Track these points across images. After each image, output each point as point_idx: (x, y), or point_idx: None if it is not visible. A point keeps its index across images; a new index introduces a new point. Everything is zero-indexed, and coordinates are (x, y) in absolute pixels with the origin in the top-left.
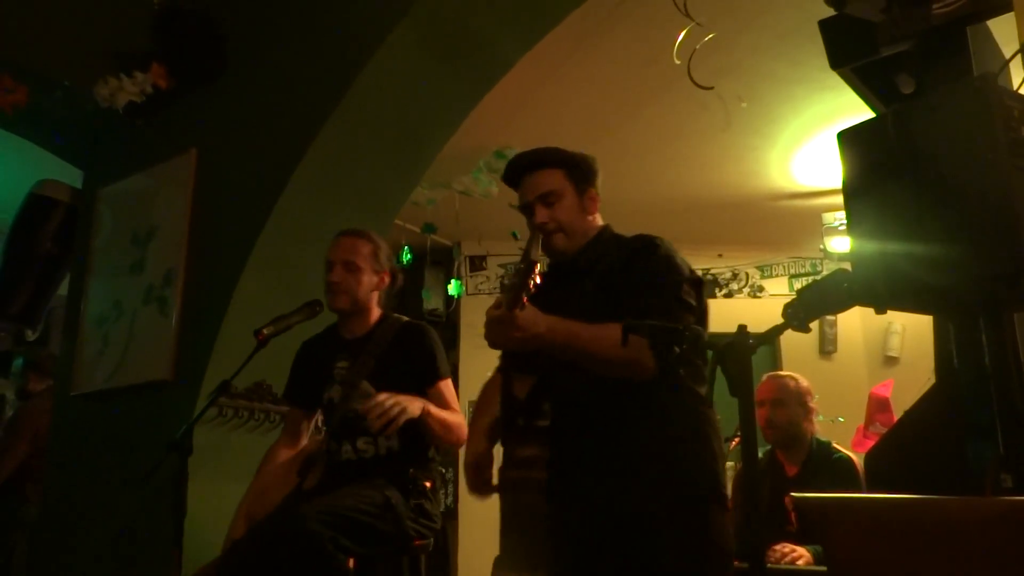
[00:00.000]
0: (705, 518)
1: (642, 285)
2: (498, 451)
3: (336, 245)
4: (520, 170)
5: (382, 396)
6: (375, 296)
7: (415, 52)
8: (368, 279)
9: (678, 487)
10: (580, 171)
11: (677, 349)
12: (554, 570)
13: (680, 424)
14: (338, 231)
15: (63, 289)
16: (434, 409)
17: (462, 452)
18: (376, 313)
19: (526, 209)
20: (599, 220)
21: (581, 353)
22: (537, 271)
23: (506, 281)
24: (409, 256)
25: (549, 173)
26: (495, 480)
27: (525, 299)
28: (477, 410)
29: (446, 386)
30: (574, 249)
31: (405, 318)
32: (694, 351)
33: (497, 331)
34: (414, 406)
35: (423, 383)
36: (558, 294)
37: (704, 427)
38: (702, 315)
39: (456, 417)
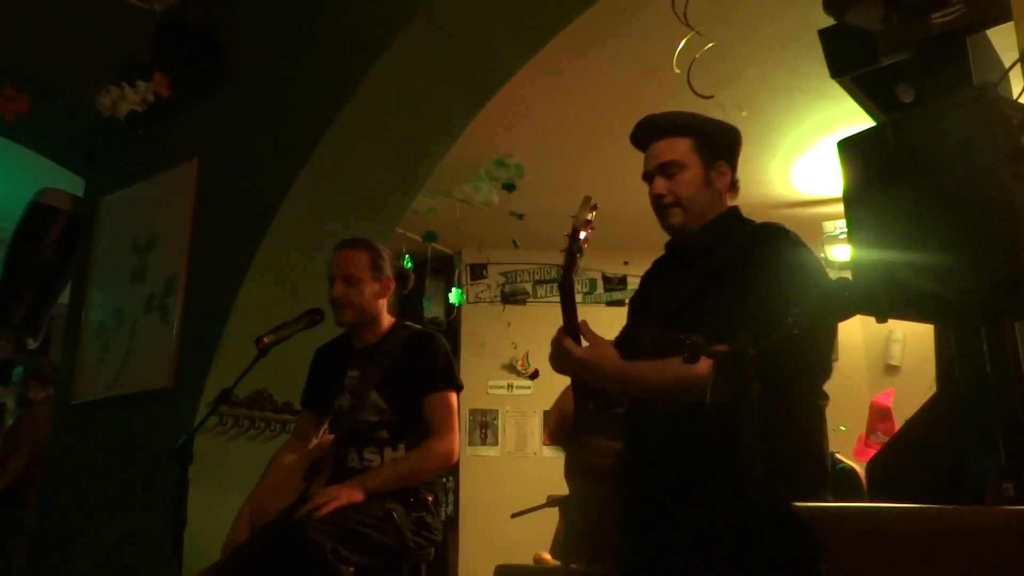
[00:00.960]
0: (775, 541)
1: (743, 291)
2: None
3: (335, 260)
4: (647, 134)
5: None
6: (382, 303)
7: (416, 61)
8: (370, 289)
9: (748, 510)
10: (711, 141)
11: (750, 379)
12: (620, 568)
13: (773, 428)
14: (338, 243)
15: (64, 298)
16: (379, 479)
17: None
18: (387, 321)
19: (647, 177)
20: (728, 200)
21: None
22: (582, 238)
23: (506, 289)
24: (410, 264)
25: (675, 141)
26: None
27: (582, 324)
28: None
29: (441, 399)
30: (694, 227)
31: (417, 327)
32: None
33: (556, 359)
34: (347, 495)
35: (424, 391)
36: (667, 281)
37: (801, 437)
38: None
39: (428, 451)
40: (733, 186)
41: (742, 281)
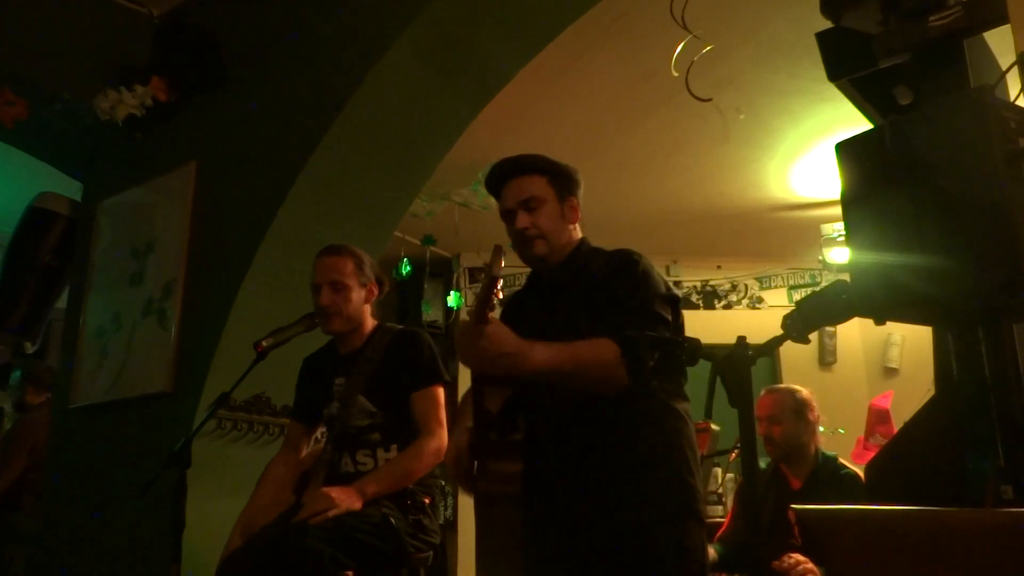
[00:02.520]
0: (681, 534)
1: (619, 300)
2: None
3: (319, 267)
4: (502, 176)
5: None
6: (367, 309)
7: (414, 64)
8: (357, 295)
9: (653, 503)
10: (562, 179)
11: (651, 362)
12: None
13: (655, 439)
14: (319, 251)
15: (62, 302)
16: (375, 484)
17: None
18: (370, 324)
19: (508, 215)
20: (579, 232)
21: (557, 374)
22: (499, 287)
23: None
24: (408, 268)
25: (532, 179)
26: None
27: (490, 314)
28: (460, 409)
29: (427, 395)
30: (555, 258)
31: (399, 327)
32: (673, 364)
33: (467, 347)
34: (347, 503)
35: (410, 388)
36: (539, 309)
37: (679, 441)
38: (677, 331)
39: (419, 449)
40: (579, 217)
41: (617, 304)
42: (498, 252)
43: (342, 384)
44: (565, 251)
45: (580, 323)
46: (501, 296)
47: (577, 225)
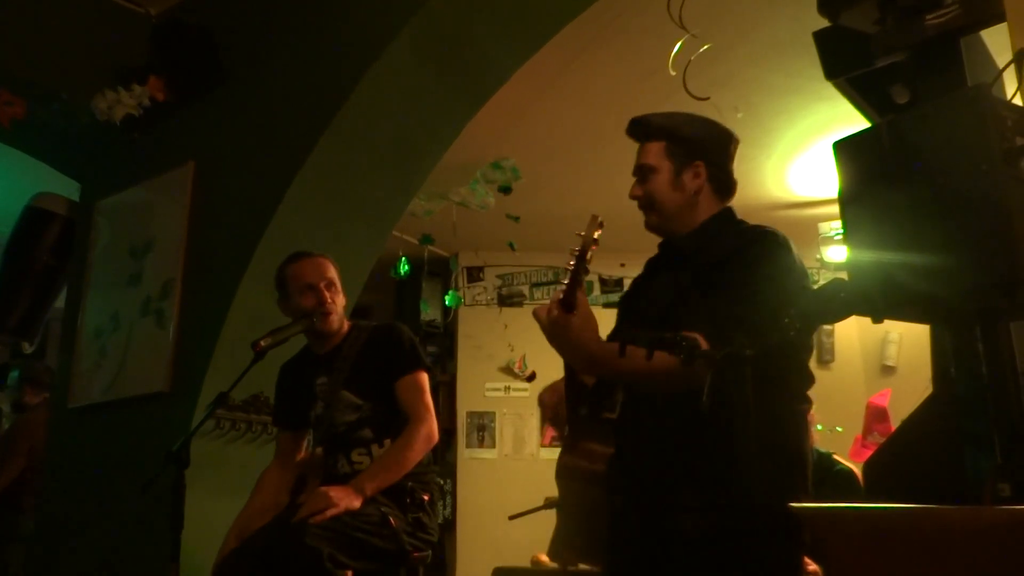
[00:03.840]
0: (762, 548)
1: (725, 284)
2: None
3: (313, 267)
4: (634, 135)
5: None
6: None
7: (412, 64)
8: (342, 296)
9: (741, 512)
10: (685, 143)
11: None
12: (610, 567)
13: (760, 435)
14: (293, 255)
15: (60, 302)
16: (373, 481)
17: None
18: (346, 325)
19: (634, 176)
20: (714, 199)
21: (628, 379)
22: (589, 256)
23: (503, 292)
24: (407, 267)
25: (648, 146)
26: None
27: (580, 296)
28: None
29: (411, 381)
30: (673, 229)
31: (374, 323)
32: (788, 364)
33: (553, 332)
34: (346, 503)
35: (393, 377)
36: (658, 280)
37: (780, 443)
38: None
39: (410, 437)
40: (722, 185)
41: (732, 282)
42: (593, 221)
43: (325, 383)
44: (691, 222)
45: (690, 302)
46: (589, 268)
47: (718, 196)
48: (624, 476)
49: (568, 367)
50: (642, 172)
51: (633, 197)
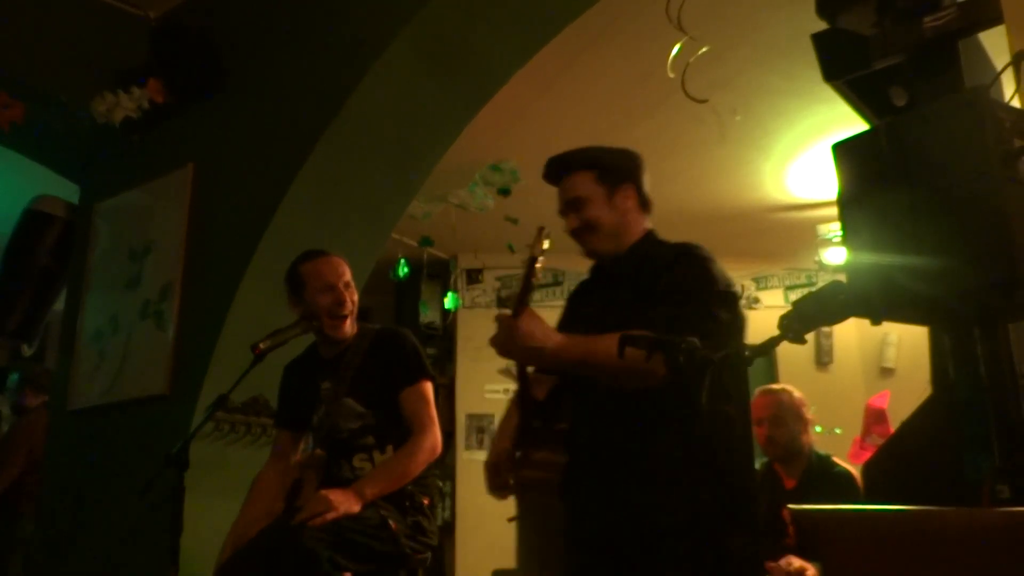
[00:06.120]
0: (719, 541)
1: (667, 294)
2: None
3: (330, 266)
4: (552, 176)
5: (315, 504)
6: None
7: (412, 66)
8: (356, 297)
9: (691, 506)
10: (612, 169)
11: (681, 359)
12: (567, 573)
13: (700, 437)
14: (307, 253)
15: (59, 304)
16: (374, 487)
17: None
18: (354, 327)
19: (562, 214)
20: (644, 222)
21: (590, 369)
22: (538, 268)
23: (502, 294)
24: (406, 269)
25: (577, 177)
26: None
27: (528, 306)
28: (507, 411)
29: (415, 392)
30: (612, 249)
31: (379, 325)
32: (731, 367)
33: (502, 338)
34: (345, 507)
35: (398, 387)
36: (596, 301)
37: (724, 440)
38: (737, 328)
39: (414, 448)
40: (645, 203)
41: (668, 298)
42: (540, 233)
43: (329, 388)
44: (627, 242)
45: (632, 316)
46: (540, 278)
47: (644, 215)
48: (578, 481)
49: (521, 383)
50: (575, 204)
51: (572, 229)
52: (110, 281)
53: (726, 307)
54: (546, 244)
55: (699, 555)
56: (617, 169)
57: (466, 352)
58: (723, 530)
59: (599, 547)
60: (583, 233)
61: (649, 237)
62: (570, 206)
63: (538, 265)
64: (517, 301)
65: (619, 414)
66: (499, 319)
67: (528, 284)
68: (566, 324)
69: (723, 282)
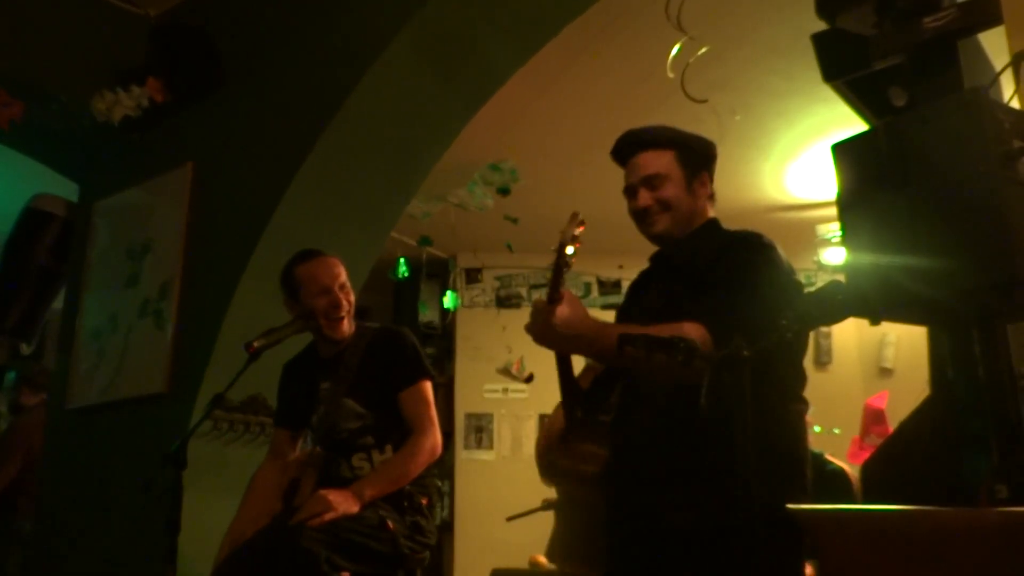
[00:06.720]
0: (762, 549)
1: (721, 284)
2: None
3: (325, 268)
4: (628, 149)
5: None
6: None
7: (411, 65)
8: (352, 297)
9: (736, 511)
10: (693, 154)
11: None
12: (608, 571)
13: (760, 431)
14: (303, 254)
15: (58, 303)
16: (373, 487)
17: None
18: (352, 327)
19: (629, 191)
20: (709, 211)
21: (627, 360)
22: (568, 253)
23: (501, 293)
24: (405, 269)
25: (658, 154)
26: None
27: (564, 292)
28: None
29: (415, 392)
30: (678, 233)
31: (377, 325)
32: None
33: (538, 325)
34: (344, 507)
35: (398, 388)
36: (651, 291)
37: (787, 439)
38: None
39: (414, 448)
40: (713, 196)
41: (728, 280)
42: (574, 219)
43: (328, 388)
44: (689, 230)
45: (683, 305)
46: (573, 264)
47: (708, 204)
48: (620, 476)
49: (564, 370)
50: (650, 181)
51: (642, 207)
52: (109, 280)
53: (785, 295)
54: (578, 230)
55: (737, 560)
56: (698, 155)
57: (465, 351)
58: (764, 536)
59: (638, 543)
60: (654, 213)
61: (712, 223)
62: (645, 183)
63: (569, 250)
64: (551, 287)
65: (666, 409)
66: (535, 305)
67: (559, 270)
68: (624, 314)
69: (784, 269)
